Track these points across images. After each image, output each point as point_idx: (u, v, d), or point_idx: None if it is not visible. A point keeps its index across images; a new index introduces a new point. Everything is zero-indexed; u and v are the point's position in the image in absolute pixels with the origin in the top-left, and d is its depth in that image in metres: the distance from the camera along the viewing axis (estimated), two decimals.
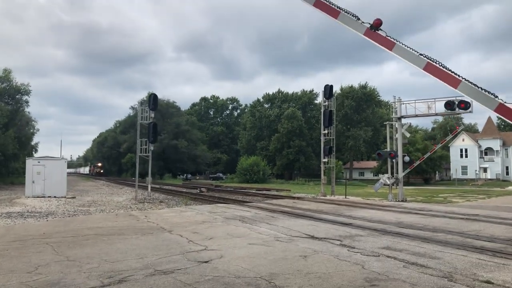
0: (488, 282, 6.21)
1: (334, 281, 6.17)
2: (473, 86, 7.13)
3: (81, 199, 27.63)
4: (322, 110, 31.53)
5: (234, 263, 7.34)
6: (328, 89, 31.02)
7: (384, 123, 30.99)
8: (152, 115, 27.23)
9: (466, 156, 78.78)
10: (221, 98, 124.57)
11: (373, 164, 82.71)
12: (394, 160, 26.93)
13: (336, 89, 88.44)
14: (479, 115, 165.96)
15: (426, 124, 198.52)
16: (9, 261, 7.56)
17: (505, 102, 6.98)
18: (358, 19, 8.15)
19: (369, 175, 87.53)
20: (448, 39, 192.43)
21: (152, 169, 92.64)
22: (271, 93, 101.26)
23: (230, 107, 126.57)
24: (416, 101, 26.45)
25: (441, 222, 13.86)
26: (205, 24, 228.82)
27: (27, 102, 53.51)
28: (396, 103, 27.25)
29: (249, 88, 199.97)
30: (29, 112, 65.63)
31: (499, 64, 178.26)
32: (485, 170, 77.43)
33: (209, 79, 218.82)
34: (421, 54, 7.33)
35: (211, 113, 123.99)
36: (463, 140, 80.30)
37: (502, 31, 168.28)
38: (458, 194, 36.35)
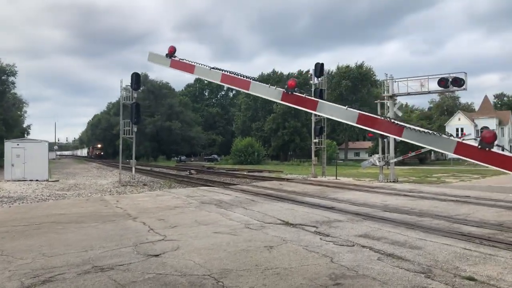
0: (470, 278, 5.39)
1: (293, 280, 5.34)
2: (420, 130, 6.38)
3: (64, 182, 26.79)
4: (312, 89, 30.53)
5: (188, 256, 6.51)
6: (319, 68, 29.92)
7: (375, 101, 30.04)
8: (135, 95, 26.21)
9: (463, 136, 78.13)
10: None
11: (368, 144, 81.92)
12: (385, 140, 26.11)
13: (334, 69, 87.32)
14: (477, 94, 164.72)
15: (423, 103, 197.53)
16: None
17: (462, 140, 6.27)
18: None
19: (364, 156, 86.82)
20: (450, 18, 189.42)
21: (145, 151, 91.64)
22: (265, 73, 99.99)
23: (225, 88, 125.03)
24: (409, 79, 25.43)
25: (429, 204, 13.08)
26: (205, 3, 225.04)
27: (13, 83, 52.23)
28: (388, 81, 26.27)
29: (249, 69, 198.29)
30: (20, 95, 64.43)
31: (501, 43, 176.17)
32: None
33: (209, 60, 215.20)
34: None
35: (206, 94, 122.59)
36: (459, 119, 79.52)
37: (505, 8, 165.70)
38: (453, 174, 35.65)
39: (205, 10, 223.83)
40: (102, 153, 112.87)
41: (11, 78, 51.12)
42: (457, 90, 25.32)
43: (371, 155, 69.63)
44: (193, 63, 7.28)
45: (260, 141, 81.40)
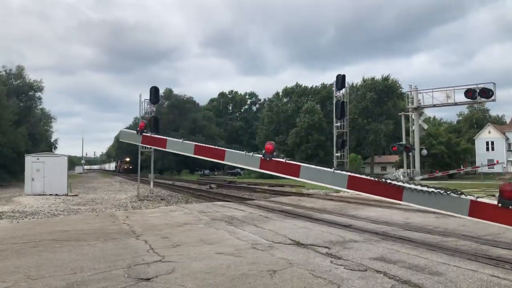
0: None
1: None
2: (423, 190, 5.13)
3: (83, 197, 26.73)
4: (334, 101, 29.77)
5: (181, 281, 5.95)
6: (340, 79, 29.17)
7: (399, 114, 29.07)
8: (154, 108, 26.03)
9: (493, 149, 75.38)
10: (239, 93, 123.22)
11: (395, 158, 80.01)
12: (410, 154, 25.16)
13: (359, 81, 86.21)
14: (507, 106, 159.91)
15: (451, 116, 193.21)
16: None
17: (477, 198, 5.01)
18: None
19: (391, 170, 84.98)
20: (480, 28, 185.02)
21: (170, 164, 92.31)
22: (289, 86, 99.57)
23: (249, 102, 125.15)
24: (434, 90, 24.54)
25: (455, 223, 12.16)
26: (231, 18, 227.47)
27: (40, 98, 53.32)
28: (413, 92, 25.38)
29: (274, 83, 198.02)
30: (48, 110, 65.76)
31: None
32: None
33: (234, 75, 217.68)
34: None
35: (230, 108, 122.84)
36: (489, 132, 76.92)
37: None
38: (483, 189, 34.07)
39: (231, 25, 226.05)
40: (131, 166, 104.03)
41: (38, 94, 52.28)
42: (486, 102, 24.25)
43: (397, 169, 68.09)
44: (164, 138, 6.73)
45: (284, 155, 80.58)
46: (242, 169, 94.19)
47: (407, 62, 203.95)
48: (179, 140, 6.28)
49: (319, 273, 6.41)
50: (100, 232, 10.45)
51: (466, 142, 75.36)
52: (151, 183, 26.87)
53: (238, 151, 6.05)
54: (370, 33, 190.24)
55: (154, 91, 25.79)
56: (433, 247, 8.52)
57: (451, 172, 40.13)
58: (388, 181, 4.96)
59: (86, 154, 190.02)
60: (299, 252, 7.98)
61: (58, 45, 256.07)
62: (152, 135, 7.04)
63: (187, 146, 6.17)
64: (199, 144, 6.04)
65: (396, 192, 4.95)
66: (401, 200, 4.81)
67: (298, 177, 5.75)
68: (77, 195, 27.67)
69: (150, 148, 25.80)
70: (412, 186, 4.82)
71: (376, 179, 5.13)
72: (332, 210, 15.75)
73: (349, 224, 11.95)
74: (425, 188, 4.71)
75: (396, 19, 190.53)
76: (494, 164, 49.19)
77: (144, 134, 6.93)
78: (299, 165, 5.31)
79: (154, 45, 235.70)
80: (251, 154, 5.76)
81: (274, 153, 5.41)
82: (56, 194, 26.25)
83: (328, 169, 5.29)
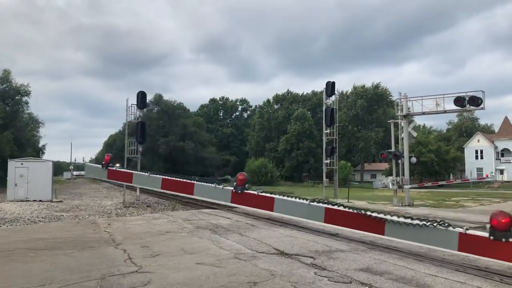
0: None
1: None
2: (406, 223, 4.13)
3: (68, 203, 26.18)
4: (323, 108, 29.69)
5: None
6: (330, 86, 29.15)
7: (388, 121, 29.00)
8: (141, 114, 25.67)
9: (482, 158, 75.83)
10: (230, 99, 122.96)
11: (385, 166, 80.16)
12: (400, 162, 25.00)
13: (349, 89, 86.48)
14: (496, 115, 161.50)
15: (441, 125, 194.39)
16: None
17: (466, 230, 4.13)
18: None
19: (381, 178, 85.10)
20: (470, 38, 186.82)
21: (159, 171, 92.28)
22: (280, 93, 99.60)
23: (239, 109, 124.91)
24: (423, 98, 24.39)
25: None
26: (223, 25, 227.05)
27: (27, 103, 52.56)
28: (402, 99, 25.28)
29: (266, 90, 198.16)
30: (36, 115, 64.77)
31: None
32: (501, 172, 74.43)
33: (226, 81, 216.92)
34: None
35: (221, 114, 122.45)
36: (478, 141, 77.38)
37: None
38: (472, 198, 34.10)
39: (224, 32, 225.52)
40: None
41: (24, 98, 51.49)
42: (475, 110, 24.19)
43: (386, 177, 68.08)
44: (131, 171, 6.22)
45: (274, 162, 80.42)
46: (232, 176, 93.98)
47: (398, 71, 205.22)
48: (146, 173, 5.72)
49: (302, 285, 6.13)
50: (78, 240, 10.07)
51: (455, 150, 75.77)
52: (137, 190, 26.43)
53: (207, 184, 5.41)
54: (361, 41, 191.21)
55: (141, 96, 25.48)
56: (421, 257, 8.28)
57: (440, 183, 40.08)
58: (368, 213, 4.45)
59: (75, 160, 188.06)
60: (283, 263, 7.70)
61: (50, 50, 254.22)
62: (117, 169, 6.51)
63: (154, 180, 5.56)
64: (167, 177, 5.47)
65: (377, 226, 4.39)
66: (383, 234, 4.34)
67: (272, 210, 5.11)
68: (61, 201, 27.12)
69: (136, 154, 25.50)
70: (395, 218, 4.26)
71: (356, 211, 4.65)
72: None
73: (337, 233, 11.68)
74: (408, 221, 4.17)
75: (388, 28, 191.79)
76: (483, 179, 49.61)
77: (109, 168, 6.39)
78: (273, 198, 4.65)
79: (146, 51, 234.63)
80: (221, 187, 5.14)
81: (246, 185, 4.79)
82: (40, 200, 25.70)
83: (304, 201, 4.70)
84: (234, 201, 4.92)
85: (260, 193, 4.51)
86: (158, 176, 5.62)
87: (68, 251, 8.71)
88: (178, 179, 5.42)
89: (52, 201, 25.98)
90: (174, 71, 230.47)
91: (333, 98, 29.69)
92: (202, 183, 5.21)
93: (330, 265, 7.48)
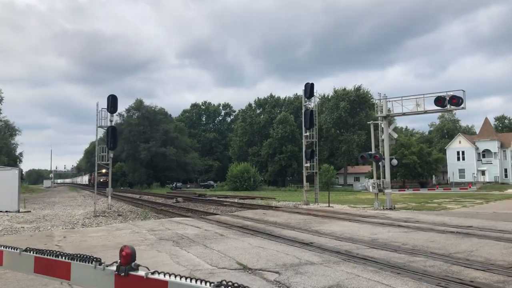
0: None
1: None
2: None
3: (36, 213, 24.87)
4: (303, 111, 28.90)
5: None
6: (309, 88, 28.39)
7: (368, 122, 28.37)
8: (112, 118, 24.51)
9: (463, 159, 76.04)
10: (213, 104, 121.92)
11: (368, 168, 79.89)
12: (380, 164, 24.33)
13: (330, 92, 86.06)
14: (477, 117, 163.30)
15: (423, 127, 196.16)
16: None
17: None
18: None
19: (364, 180, 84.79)
20: (453, 41, 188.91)
21: (140, 178, 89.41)
22: (262, 97, 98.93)
23: (222, 113, 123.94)
24: (403, 98, 23.79)
25: (424, 238, 11.19)
26: (209, 30, 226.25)
27: None
28: (382, 100, 24.64)
29: (252, 95, 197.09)
30: (12, 122, 62.89)
31: (504, 65, 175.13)
32: (483, 173, 74.72)
33: (212, 86, 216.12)
34: None
35: (203, 119, 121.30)
36: (459, 142, 77.64)
37: (508, 32, 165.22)
38: (454, 199, 33.64)
39: (209, 37, 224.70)
40: (107, 179, 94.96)
41: None
42: (455, 109, 23.66)
43: (368, 180, 67.70)
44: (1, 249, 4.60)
45: (257, 167, 79.54)
46: (215, 181, 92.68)
47: (382, 74, 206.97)
48: (16, 250, 3.95)
49: None
50: None
51: (437, 152, 75.95)
52: (109, 197, 25.25)
53: (85, 263, 3.21)
54: (346, 45, 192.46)
55: (112, 99, 24.33)
56: (399, 269, 7.44)
57: (422, 190, 39.78)
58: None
59: (56, 168, 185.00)
60: (243, 280, 6.77)
61: (31, 56, 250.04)
62: None
63: (25, 260, 3.53)
64: (40, 256, 3.48)
65: None
66: None
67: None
68: (29, 211, 25.79)
69: (107, 161, 24.36)
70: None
71: None
72: (296, 225, 14.61)
73: (310, 241, 10.81)
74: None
75: (372, 32, 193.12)
76: (466, 189, 49.55)
77: None
78: (166, 282, 2.62)
79: (131, 56, 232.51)
80: (102, 267, 2.91)
81: (133, 263, 2.71)
82: (6, 211, 24.34)
83: (204, 286, 2.79)
84: (118, 285, 2.79)
85: (149, 276, 2.52)
86: (30, 254, 3.51)
87: (0, 271, 7.65)
88: (53, 258, 3.20)
89: (19, 212, 24.65)
90: (159, 77, 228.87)
91: (312, 100, 28.94)
92: (81, 263, 2.93)
93: (295, 283, 6.58)
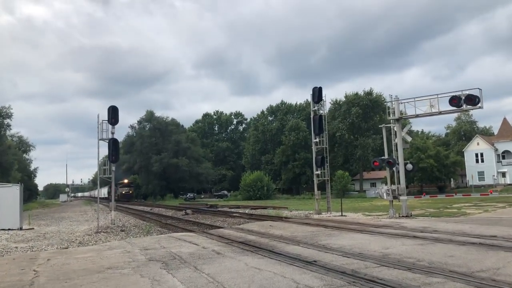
0: None
1: None
2: None
3: (39, 230, 24.17)
4: (311, 116, 27.79)
5: None
6: (317, 92, 27.30)
7: (380, 126, 27.11)
8: (113, 130, 23.75)
9: (482, 161, 73.77)
10: (225, 113, 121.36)
11: (384, 174, 78.03)
12: (395, 169, 23.06)
13: (342, 97, 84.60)
14: (496, 118, 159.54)
15: (439, 130, 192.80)
16: None
17: None
18: None
19: (381, 186, 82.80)
20: (470, 41, 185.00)
21: (154, 189, 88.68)
22: (274, 105, 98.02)
23: (235, 122, 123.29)
24: (416, 99, 22.52)
25: (443, 252, 10.00)
26: (224, 40, 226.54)
27: (9, 125, 50.73)
28: (394, 102, 23.42)
29: (267, 103, 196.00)
30: (26, 137, 62.96)
31: None
32: (503, 174, 72.32)
33: (227, 95, 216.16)
34: None
35: (216, 129, 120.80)
36: (477, 144, 75.42)
37: None
38: (475, 203, 32.08)
39: (225, 46, 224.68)
40: (130, 191, 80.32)
41: (6, 121, 49.67)
42: (472, 109, 22.29)
43: (382, 186, 65.85)
44: None
45: (271, 175, 78.44)
46: (229, 190, 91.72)
47: (399, 77, 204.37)
48: None
49: None
50: None
51: (455, 154, 73.76)
52: (112, 213, 24.42)
53: None
54: (362, 49, 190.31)
55: (112, 111, 23.64)
56: None
57: (439, 196, 38.26)
58: None
59: (73, 182, 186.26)
60: None
61: (50, 72, 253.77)
62: None
63: None
64: None
65: None
66: None
67: None
68: (33, 228, 25.11)
69: (110, 174, 23.57)
70: None
71: None
72: (302, 239, 13.49)
73: (314, 259, 9.70)
74: None
75: (388, 35, 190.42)
76: (487, 194, 47.46)
77: None
78: None
79: (147, 69, 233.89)
80: None
81: None
82: (9, 229, 23.68)
83: None
84: None
85: None
86: None
87: None
88: None
89: (21, 229, 23.96)
90: (176, 88, 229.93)
91: (321, 104, 27.81)
92: None
93: None
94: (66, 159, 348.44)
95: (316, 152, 27.77)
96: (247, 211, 33.52)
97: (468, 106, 20.72)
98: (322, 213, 26.29)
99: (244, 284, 7.44)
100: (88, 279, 8.39)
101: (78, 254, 12.10)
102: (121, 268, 9.50)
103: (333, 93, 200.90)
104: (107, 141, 23.56)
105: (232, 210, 35.73)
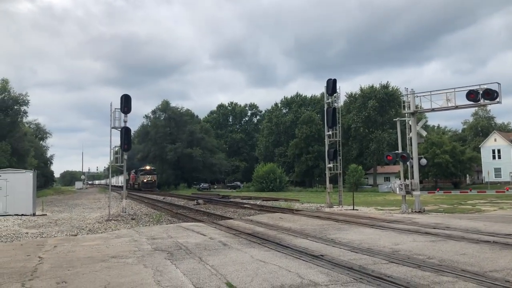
0: None
1: None
2: None
3: (52, 216, 24.37)
4: (325, 108, 27.43)
5: None
6: (331, 84, 26.90)
7: (394, 119, 26.63)
8: (126, 119, 23.73)
9: (499, 157, 72.41)
10: (239, 105, 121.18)
11: (398, 168, 77.21)
12: (408, 164, 22.67)
13: (357, 90, 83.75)
14: None
15: (456, 125, 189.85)
16: None
17: None
18: None
19: (395, 181, 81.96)
20: (493, 35, 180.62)
21: (168, 178, 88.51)
22: (289, 97, 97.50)
23: (249, 114, 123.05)
24: (432, 93, 22.06)
25: (454, 250, 9.72)
26: (242, 30, 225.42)
27: (25, 112, 51.21)
28: (409, 96, 22.96)
29: (284, 94, 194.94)
30: (43, 125, 63.64)
31: None
32: None
33: (244, 87, 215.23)
34: None
35: (230, 120, 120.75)
36: (495, 140, 74.03)
37: None
38: (490, 200, 31.50)
39: (242, 37, 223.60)
40: (153, 180, 74.70)
41: (23, 108, 50.15)
42: (490, 104, 21.73)
43: (395, 181, 65.21)
44: None
45: (284, 167, 78.19)
46: (242, 181, 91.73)
47: (418, 71, 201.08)
48: None
49: None
50: None
51: (471, 150, 72.58)
52: (124, 201, 24.49)
53: None
54: (381, 42, 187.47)
55: (125, 99, 23.60)
56: None
57: (453, 192, 37.67)
58: None
59: (89, 170, 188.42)
60: None
61: (69, 60, 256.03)
62: None
63: None
64: None
65: None
66: None
67: None
68: (45, 214, 25.34)
69: (122, 163, 23.62)
70: None
71: None
72: (310, 232, 13.30)
73: (321, 253, 9.51)
74: None
75: (407, 28, 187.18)
76: (503, 191, 46.25)
77: None
78: None
79: (165, 58, 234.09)
80: None
81: None
82: (22, 214, 23.96)
83: None
84: None
85: None
86: None
87: None
88: None
89: (34, 215, 24.20)
90: (193, 78, 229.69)
91: (335, 96, 27.41)
92: None
93: None
94: (82, 147, 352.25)
95: (329, 145, 27.45)
96: (258, 202, 33.39)
97: (486, 101, 20.22)
98: (334, 206, 26.03)
99: (247, 277, 7.29)
100: (91, 268, 8.33)
101: (85, 242, 12.09)
102: (125, 257, 9.43)
103: (350, 87, 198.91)
104: (119, 129, 23.57)
105: (244, 201, 35.64)
